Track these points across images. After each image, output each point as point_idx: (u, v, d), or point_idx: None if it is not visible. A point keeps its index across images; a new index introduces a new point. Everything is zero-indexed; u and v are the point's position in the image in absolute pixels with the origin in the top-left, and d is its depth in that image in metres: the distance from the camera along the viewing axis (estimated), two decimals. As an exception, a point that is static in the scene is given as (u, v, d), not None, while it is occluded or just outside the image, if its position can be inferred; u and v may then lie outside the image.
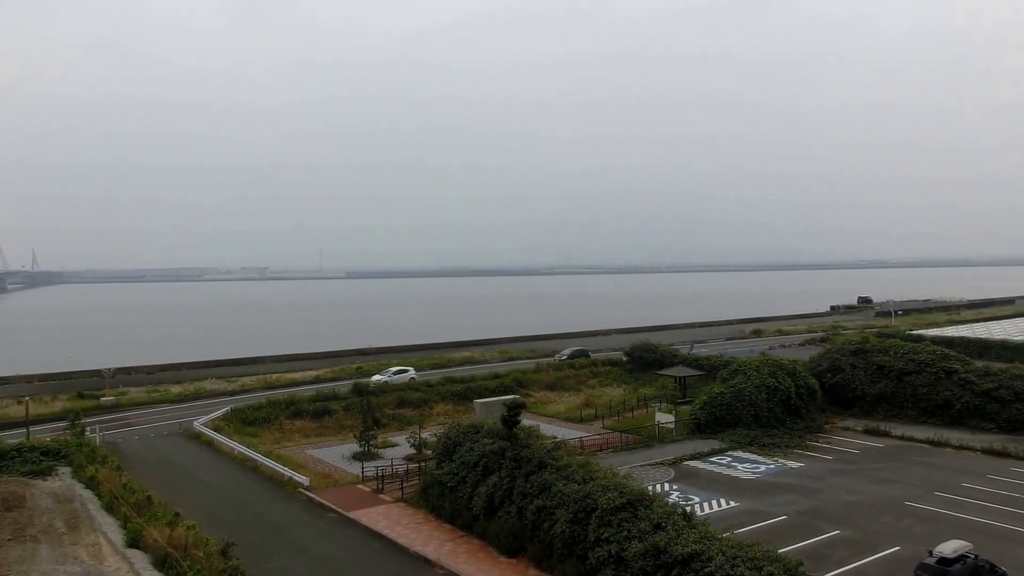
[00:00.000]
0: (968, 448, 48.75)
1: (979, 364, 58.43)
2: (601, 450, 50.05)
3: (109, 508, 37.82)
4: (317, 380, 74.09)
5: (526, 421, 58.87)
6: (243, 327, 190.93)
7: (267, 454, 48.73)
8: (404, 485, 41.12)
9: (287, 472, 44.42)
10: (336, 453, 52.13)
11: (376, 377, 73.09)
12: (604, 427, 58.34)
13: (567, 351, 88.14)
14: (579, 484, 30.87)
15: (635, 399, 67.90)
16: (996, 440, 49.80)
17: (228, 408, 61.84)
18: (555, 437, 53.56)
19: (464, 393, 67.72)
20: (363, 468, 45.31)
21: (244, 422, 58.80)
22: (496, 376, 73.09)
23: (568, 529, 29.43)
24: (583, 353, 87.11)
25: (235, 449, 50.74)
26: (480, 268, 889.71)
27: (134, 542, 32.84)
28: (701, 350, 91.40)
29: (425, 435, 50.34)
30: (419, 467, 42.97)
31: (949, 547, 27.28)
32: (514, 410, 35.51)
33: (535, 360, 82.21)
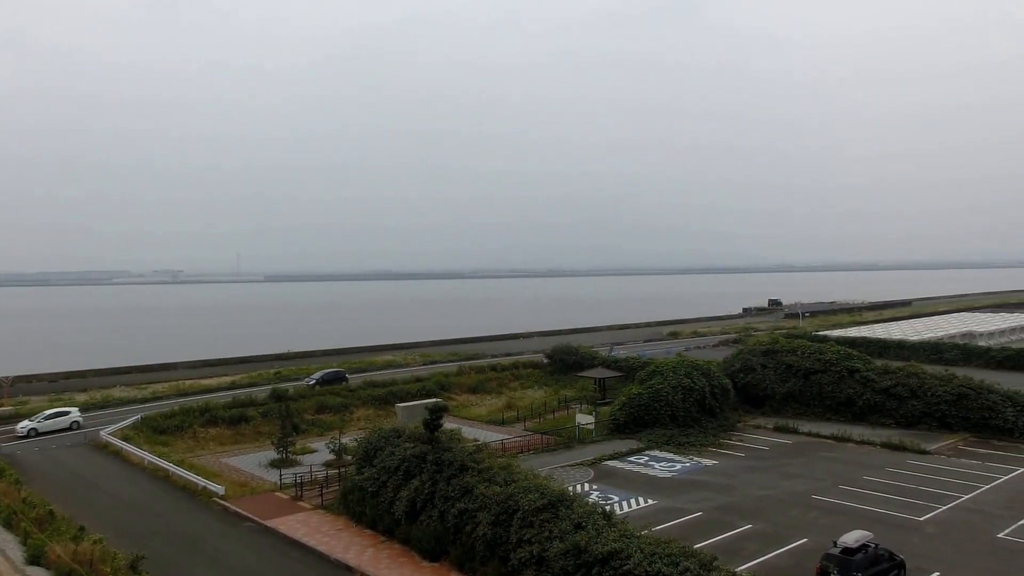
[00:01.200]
0: (869, 443, 51.11)
1: (879, 363, 61.26)
2: (522, 452, 50.47)
3: (7, 524, 36.05)
4: (233, 386, 72.32)
5: (448, 424, 58.85)
6: (155, 332, 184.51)
7: (180, 463, 47.37)
8: (324, 492, 40.62)
9: (201, 481, 43.28)
10: (253, 461, 51.03)
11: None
12: (526, 429, 58.88)
13: (316, 375, 74.80)
14: (501, 486, 31.12)
15: (556, 401, 68.71)
16: (894, 435, 52.35)
17: (138, 417, 59.80)
18: (477, 440, 53.78)
19: (386, 397, 67.24)
20: (281, 475, 44.54)
21: (155, 431, 56.94)
22: (418, 379, 72.83)
23: (490, 531, 29.65)
24: (339, 377, 74.43)
25: (145, 459, 49.13)
26: (403, 271, 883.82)
27: (35, 559, 31.43)
28: (620, 352, 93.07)
29: (345, 440, 49.81)
30: (339, 473, 42.51)
31: (852, 537, 28.64)
32: (436, 413, 35.56)
33: (457, 363, 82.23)
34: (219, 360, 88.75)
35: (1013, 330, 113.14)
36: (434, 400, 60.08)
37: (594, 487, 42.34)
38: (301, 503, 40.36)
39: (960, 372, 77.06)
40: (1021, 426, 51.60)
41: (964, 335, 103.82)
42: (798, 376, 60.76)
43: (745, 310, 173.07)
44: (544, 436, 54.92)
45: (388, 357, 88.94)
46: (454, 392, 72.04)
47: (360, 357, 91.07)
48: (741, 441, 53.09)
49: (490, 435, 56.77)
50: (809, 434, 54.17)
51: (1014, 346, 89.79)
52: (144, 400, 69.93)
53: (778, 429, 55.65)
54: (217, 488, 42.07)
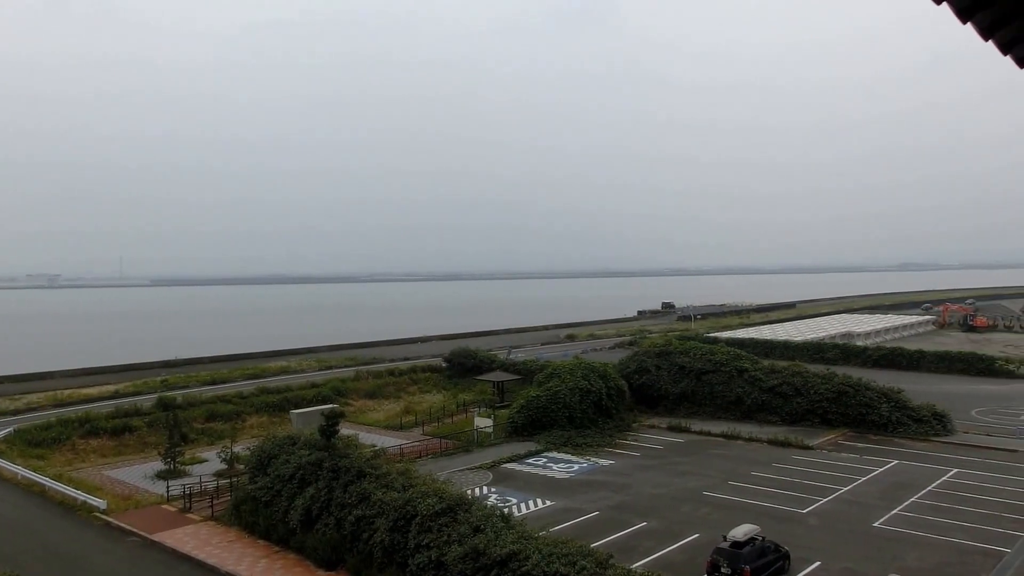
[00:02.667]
0: (757, 440, 53.19)
1: (766, 363, 63.84)
2: (421, 457, 50.14)
3: None
4: (117, 395, 68.79)
5: (345, 430, 57.92)
6: (28, 340, 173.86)
7: (57, 477, 44.74)
8: (214, 503, 39.17)
9: (80, 496, 41.03)
10: (138, 473, 48.76)
11: None
12: (424, 434, 58.58)
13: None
14: (399, 492, 30.81)
15: (455, 405, 68.56)
16: (780, 431, 54.64)
17: (11, 429, 56.13)
18: (375, 446, 53.45)
19: (280, 404, 65.45)
20: (168, 487, 42.68)
21: (30, 444, 53.50)
22: (314, 385, 71.22)
23: (388, 537, 29.28)
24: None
25: (19, 474, 46.18)
26: (298, 275, 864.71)
27: None
28: (518, 355, 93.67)
29: (238, 449, 48.22)
30: (231, 483, 41.09)
31: (740, 531, 29.72)
32: (332, 420, 34.90)
33: (355, 368, 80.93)
34: (100, 368, 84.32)
35: (887, 330, 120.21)
36: (330, 406, 58.97)
37: (493, 490, 42.44)
38: (190, 515, 38.80)
39: (840, 371, 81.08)
40: (895, 421, 54.77)
41: (844, 335, 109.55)
42: (691, 377, 62.67)
43: (640, 313, 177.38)
44: (443, 440, 54.75)
45: (282, 363, 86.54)
46: (351, 398, 70.85)
47: (254, 363, 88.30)
48: (636, 441, 54.33)
49: (388, 440, 56.27)
50: (701, 432, 55.92)
51: (887, 345, 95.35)
52: (17, 412, 65.52)
53: (672, 428, 57.22)
54: (98, 502, 39.97)
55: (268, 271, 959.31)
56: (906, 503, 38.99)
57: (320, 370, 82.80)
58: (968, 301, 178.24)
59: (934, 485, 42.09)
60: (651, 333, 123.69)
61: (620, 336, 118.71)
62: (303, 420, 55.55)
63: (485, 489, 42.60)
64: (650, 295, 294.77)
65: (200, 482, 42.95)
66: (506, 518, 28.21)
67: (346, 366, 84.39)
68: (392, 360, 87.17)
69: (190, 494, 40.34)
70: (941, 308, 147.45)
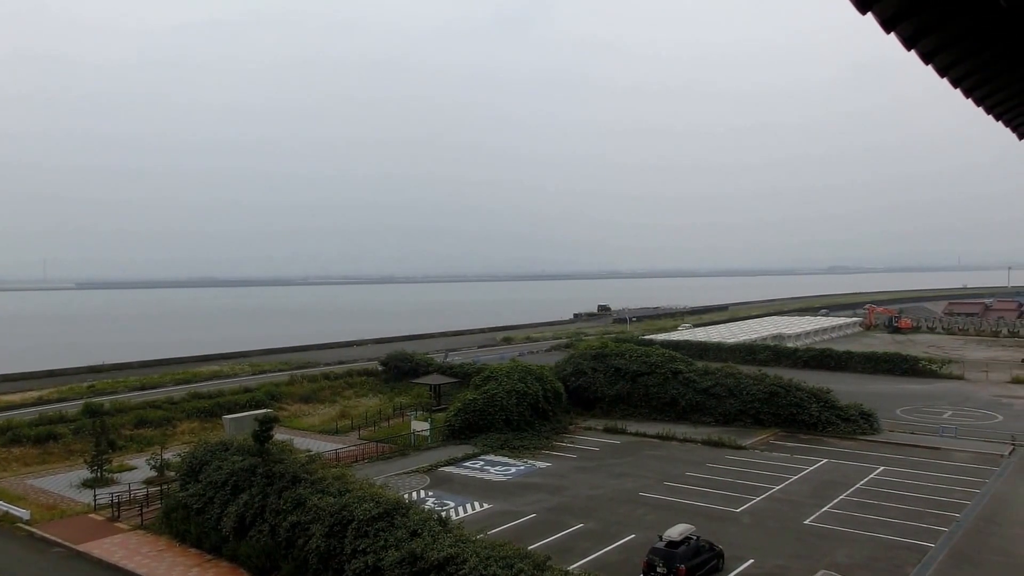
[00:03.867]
0: (691, 440, 54.07)
1: (700, 365, 64.90)
2: (357, 461, 49.59)
3: None
4: (40, 402, 66.13)
5: (279, 436, 56.91)
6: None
7: (-25, 488, 42.91)
8: (144, 511, 38.01)
9: (3, 506, 39.42)
10: (63, 481, 47.03)
11: None
12: (360, 438, 58.00)
13: None
14: (335, 497, 30.37)
15: (391, 408, 68.03)
16: (714, 432, 55.63)
17: (-77, 438, 53.59)
18: (310, 451, 52.66)
19: (212, 409, 63.90)
20: (96, 495, 41.27)
21: (-55, 453, 51.23)
22: (247, 390, 69.76)
23: (323, 543, 28.82)
24: None
25: (-67, 485, 44.14)
26: (227, 278, 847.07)
27: None
28: (455, 358, 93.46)
29: (168, 456, 46.96)
30: (161, 491, 39.95)
31: (676, 531, 30.15)
32: (266, 424, 34.22)
33: (289, 372, 79.58)
34: (22, 374, 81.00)
35: (816, 332, 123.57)
36: (264, 411, 57.91)
37: (430, 493, 42.19)
38: (119, 524, 37.57)
39: (772, 372, 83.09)
40: (824, 420, 56.30)
41: (775, 337, 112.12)
42: (626, 379, 63.36)
43: (576, 315, 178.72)
44: (379, 444, 54.34)
45: (214, 367, 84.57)
46: (285, 402, 69.62)
47: (184, 368, 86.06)
48: (573, 443, 54.68)
49: (323, 445, 55.52)
50: (636, 434, 56.58)
51: (817, 347, 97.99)
52: (-70, 420, 62.61)
53: (608, 430, 57.76)
54: (21, 512, 38.46)
55: (200, 274, 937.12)
56: (835, 501, 40.11)
57: (254, 374, 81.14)
58: (894, 305, 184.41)
59: (862, 482, 43.40)
60: (587, 335, 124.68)
61: (557, 339, 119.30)
62: (236, 425, 54.36)
63: (422, 493, 42.32)
64: (585, 298, 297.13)
65: (129, 490, 41.60)
66: (444, 522, 28.09)
67: (280, 370, 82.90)
68: (327, 364, 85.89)
69: (118, 503, 39.05)
70: (867, 310, 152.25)
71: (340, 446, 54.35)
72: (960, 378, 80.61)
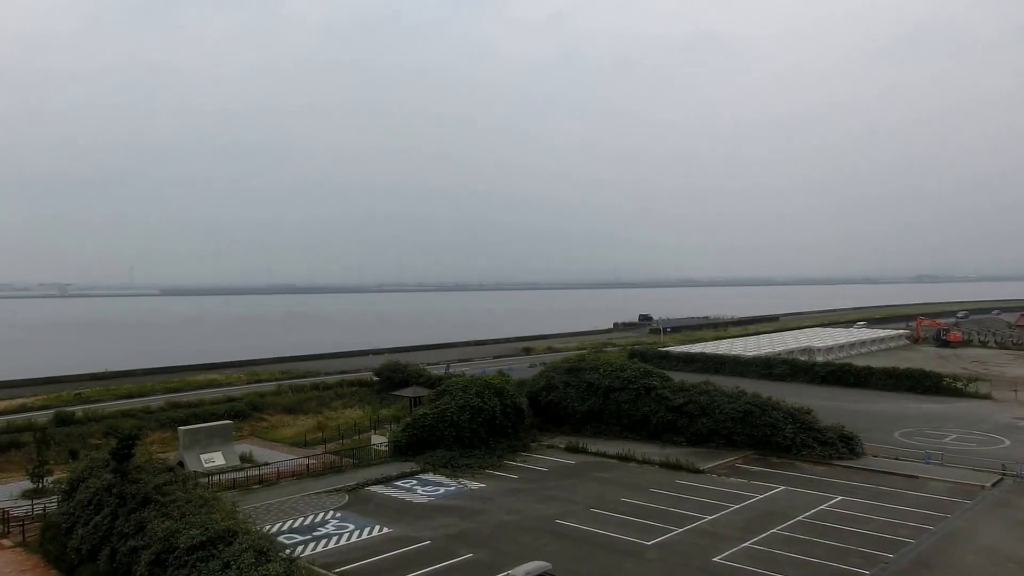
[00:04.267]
0: (649, 462, 50.90)
1: (676, 380, 61.30)
2: (295, 476, 48.37)
3: None
4: (23, 409, 67.49)
5: (247, 447, 56.67)
6: None
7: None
8: (25, 526, 37.42)
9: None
10: (5, 492, 47.11)
11: None
12: (327, 451, 56.87)
13: None
14: (174, 521, 28.92)
15: (369, 420, 66.79)
16: (680, 453, 52.30)
17: None
18: (267, 463, 51.91)
19: (186, 419, 63.66)
20: (7, 511, 40.95)
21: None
22: (230, 399, 69.69)
23: (147, 571, 27.40)
24: None
25: None
26: (311, 285, 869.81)
27: None
28: (463, 368, 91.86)
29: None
30: (44, 508, 39.33)
31: (523, 569, 27.64)
32: (126, 442, 33.07)
33: (277, 382, 79.34)
34: (18, 381, 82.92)
35: (852, 345, 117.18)
36: (223, 422, 57.55)
37: (337, 515, 40.45)
38: (3, 541, 37.09)
39: (788, 387, 79.30)
40: (799, 443, 52.32)
41: (804, 350, 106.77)
42: (598, 394, 60.40)
43: (615, 325, 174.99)
44: (338, 458, 53.13)
45: (212, 376, 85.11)
46: (268, 412, 69.27)
47: (182, 376, 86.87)
48: (525, 462, 52.15)
49: (282, 457, 54.80)
50: (597, 454, 53.68)
51: (837, 362, 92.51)
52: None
53: (569, 449, 55.04)
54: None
55: (282, 281, 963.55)
56: (764, 535, 36.65)
57: (248, 383, 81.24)
58: (960, 314, 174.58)
59: (806, 515, 39.69)
60: (615, 346, 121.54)
61: (581, 349, 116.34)
62: (191, 438, 53.81)
63: (330, 514, 40.61)
64: (648, 306, 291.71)
65: (32, 505, 41.18)
66: (264, 552, 26.23)
67: (276, 380, 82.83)
68: (327, 373, 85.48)
69: (8, 518, 38.58)
70: (915, 323, 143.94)
71: (293, 458, 53.43)
72: (987, 397, 74.56)
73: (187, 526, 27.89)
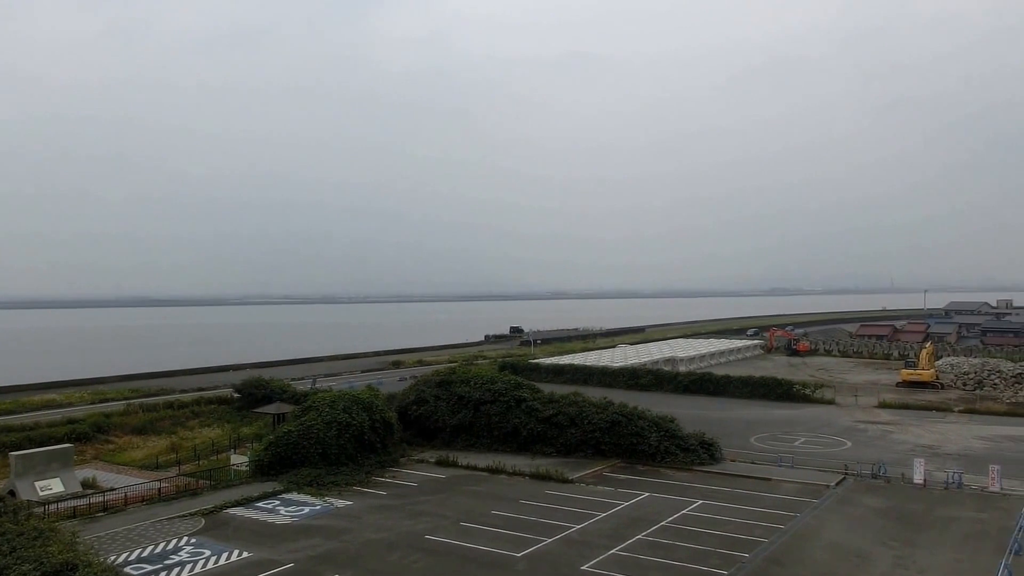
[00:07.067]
0: (520, 474, 50.95)
1: (546, 392, 61.89)
2: (144, 501, 45.32)
3: None
4: None
5: (90, 471, 52.66)
6: None
7: None
8: None
9: None
10: None
11: None
12: (180, 473, 53.62)
13: None
14: (2, 556, 26.39)
15: (228, 440, 63.68)
16: (550, 464, 52.67)
17: None
18: (114, 488, 48.35)
19: (19, 443, 58.20)
20: None
21: None
22: (71, 421, 64.61)
23: (-29, 613, 24.85)
24: None
25: None
26: (168, 297, 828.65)
27: None
28: (330, 383, 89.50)
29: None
30: None
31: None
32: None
33: (127, 401, 74.59)
34: None
35: (713, 354, 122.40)
36: (63, 446, 53.30)
37: (193, 540, 38.16)
38: None
39: (653, 396, 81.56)
40: (663, 450, 53.77)
41: (668, 360, 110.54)
42: (469, 407, 60.09)
43: (486, 337, 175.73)
44: (194, 480, 50.12)
45: (50, 396, 79.00)
46: (115, 434, 64.77)
47: (15, 397, 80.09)
48: (394, 477, 51.09)
49: (132, 480, 51.14)
50: (467, 467, 53.27)
51: (699, 372, 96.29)
52: None
53: (439, 463, 54.38)
54: None
55: (138, 293, 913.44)
56: (630, 541, 37.29)
57: (93, 403, 75.88)
58: (788, 327, 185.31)
59: (669, 519, 40.72)
60: (485, 358, 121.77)
61: (452, 362, 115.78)
62: (25, 463, 49.41)
63: (185, 540, 38.24)
64: (519, 319, 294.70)
65: None
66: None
67: (125, 398, 77.80)
68: (183, 391, 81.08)
69: None
70: (768, 333, 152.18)
71: (143, 481, 50.06)
72: (831, 402, 79.42)
73: (18, 561, 25.63)
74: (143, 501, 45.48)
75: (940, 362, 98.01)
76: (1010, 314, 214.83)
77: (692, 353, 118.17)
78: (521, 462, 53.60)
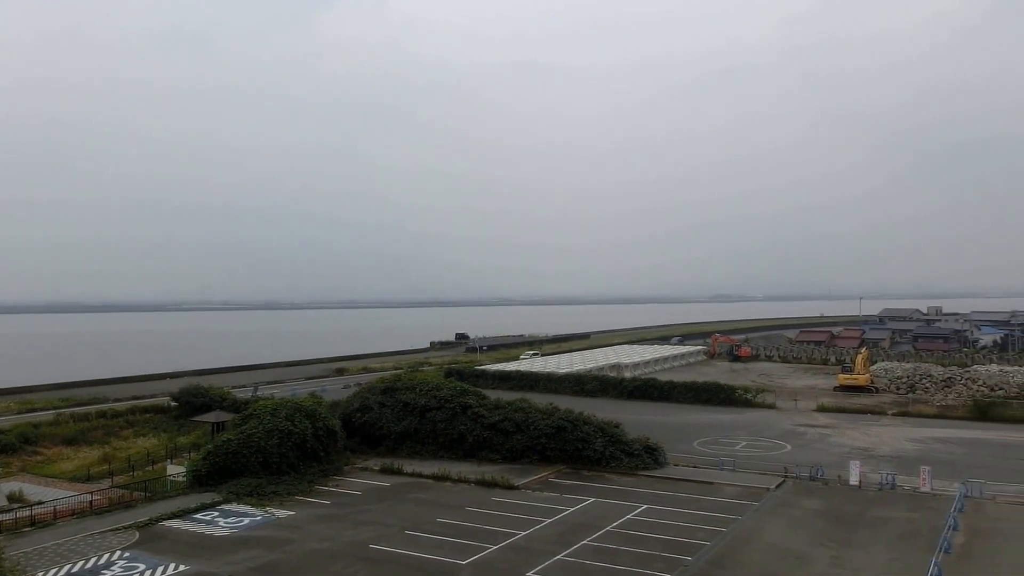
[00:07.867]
0: (465, 481, 50.63)
1: (492, 398, 61.70)
2: (74, 515, 43.74)
3: None
4: None
5: (16, 484, 50.66)
6: None
7: None
8: None
9: None
10: None
11: None
12: (113, 485, 51.92)
13: None
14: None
15: (164, 450, 61.99)
16: (496, 470, 52.41)
17: None
18: (41, 501, 46.57)
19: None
20: None
21: None
22: (-5, 433, 62.22)
23: None
24: None
25: None
26: (103, 303, 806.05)
27: None
28: (272, 391, 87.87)
29: None
30: None
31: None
32: None
33: (56, 411, 72.10)
34: None
35: (658, 360, 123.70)
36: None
37: (126, 554, 36.94)
38: None
39: (599, 402, 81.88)
40: (608, 456, 54.05)
41: (613, 366, 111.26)
42: (414, 414, 59.56)
43: (432, 344, 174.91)
44: (128, 492, 48.56)
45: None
46: (43, 445, 62.57)
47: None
48: (338, 486, 50.32)
49: (61, 493, 49.31)
50: (412, 474, 52.77)
51: (643, 377, 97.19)
52: None
53: (384, 471, 53.76)
54: None
55: (72, 299, 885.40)
56: (575, 546, 37.33)
57: (20, 412, 73.15)
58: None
59: (614, 524, 40.91)
60: (431, 365, 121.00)
61: (397, 368, 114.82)
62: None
63: (117, 554, 37.00)
64: (465, 325, 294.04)
65: None
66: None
67: (55, 408, 75.20)
68: (117, 400, 78.76)
69: None
70: (711, 339, 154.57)
71: (71, 494, 48.31)
72: (771, 407, 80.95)
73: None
74: (73, 515, 43.90)
75: (875, 367, 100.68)
76: (940, 321, 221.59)
77: (637, 359, 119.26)
78: (467, 469, 53.29)
